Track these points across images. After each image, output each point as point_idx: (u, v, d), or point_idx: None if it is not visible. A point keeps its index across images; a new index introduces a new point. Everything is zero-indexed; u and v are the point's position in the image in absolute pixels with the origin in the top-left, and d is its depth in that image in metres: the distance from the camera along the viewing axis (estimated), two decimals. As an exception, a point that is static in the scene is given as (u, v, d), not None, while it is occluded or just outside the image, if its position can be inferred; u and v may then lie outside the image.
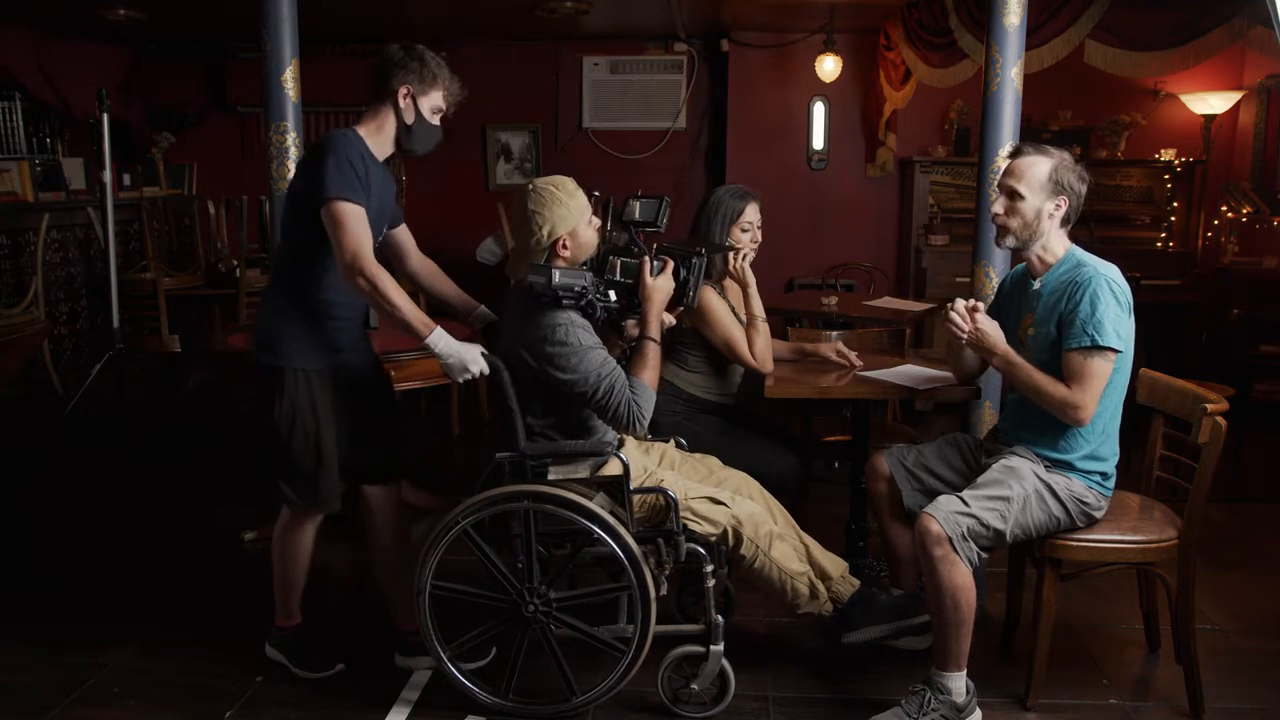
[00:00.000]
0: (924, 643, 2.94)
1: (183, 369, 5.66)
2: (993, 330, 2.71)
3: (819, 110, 6.93)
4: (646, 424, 2.60)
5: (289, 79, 3.20)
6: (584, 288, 2.55)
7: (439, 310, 3.00)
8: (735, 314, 3.30)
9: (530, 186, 2.65)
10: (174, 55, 7.17)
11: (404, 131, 2.73)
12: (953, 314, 2.73)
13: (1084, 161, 6.21)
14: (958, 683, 2.57)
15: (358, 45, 6.88)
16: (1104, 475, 2.69)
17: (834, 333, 3.99)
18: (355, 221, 2.56)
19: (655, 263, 2.67)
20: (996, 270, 3.25)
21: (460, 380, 2.65)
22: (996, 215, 2.73)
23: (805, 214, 6.95)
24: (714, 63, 7.09)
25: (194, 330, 5.83)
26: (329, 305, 2.71)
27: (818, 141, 6.97)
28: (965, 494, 2.60)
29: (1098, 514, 2.68)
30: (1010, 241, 2.73)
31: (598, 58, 7.13)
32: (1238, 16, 3.71)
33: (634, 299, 2.69)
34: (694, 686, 2.66)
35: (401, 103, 2.70)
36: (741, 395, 3.50)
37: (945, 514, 2.54)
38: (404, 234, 2.97)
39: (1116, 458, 2.72)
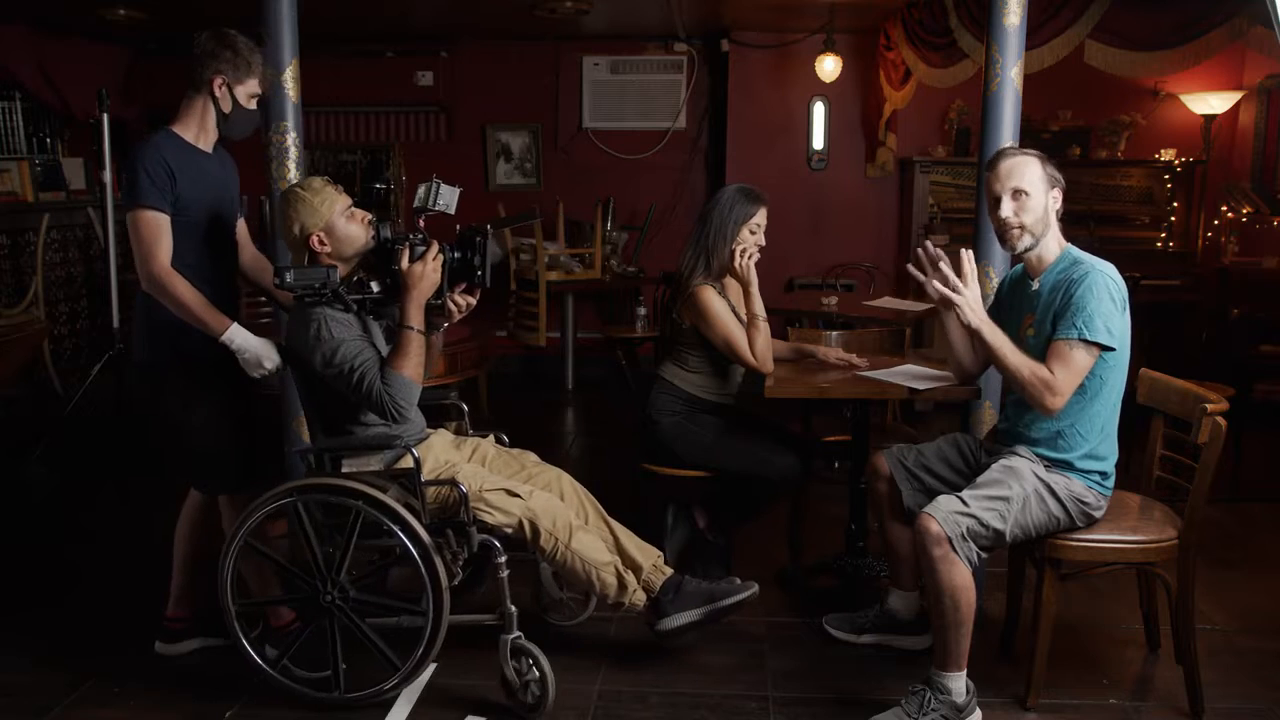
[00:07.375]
0: (923, 643, 2.94)
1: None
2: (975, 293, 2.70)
3: (819, 110, 6.93)
4: (408, 414, 2.67)
5: (289, 79, 3.18)
6: (323, 283, 2.59)
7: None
8: (735, 313, 3.30)
9: (283, 190, 2.73)
10: (174, 55, 7.11)
11: (221, 119, 2.80)
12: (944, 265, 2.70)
13: (1084, 161, 6.31)
14: (958, 683, 2.57)
15: (357, 45, 6.88)
16: (1103, 475, 2.69)
17: (834, 333, 3.99)
18: (147, 227, 2.65)
19: (419, 248, 2.68)
20: (996, 270, 3.25)
21: (257, 375, 2.78)
22: (1008, 219, 2.69)
23: (805, 214, 6.95)
24: (714, 63, 7.08)
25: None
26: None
27: (818, 141, 6.97)
28: (965, 494, 2.60)
29: (1097, 514, 2.68)
30: (1026, 241, 2.70)
31: (598, 58, 7.12)
32: (1238, 16, 3.71)
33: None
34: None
35: (217, 92, 2.76)
36: (741, 395, 3.50)
37: (945, 514, 2.54)
38: (240, 227, 3.01)
39: (1116, 457, 2.72)
